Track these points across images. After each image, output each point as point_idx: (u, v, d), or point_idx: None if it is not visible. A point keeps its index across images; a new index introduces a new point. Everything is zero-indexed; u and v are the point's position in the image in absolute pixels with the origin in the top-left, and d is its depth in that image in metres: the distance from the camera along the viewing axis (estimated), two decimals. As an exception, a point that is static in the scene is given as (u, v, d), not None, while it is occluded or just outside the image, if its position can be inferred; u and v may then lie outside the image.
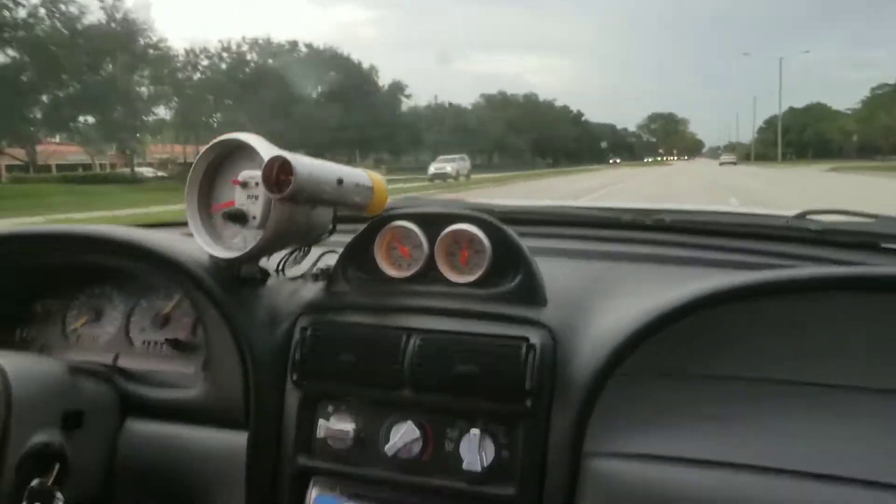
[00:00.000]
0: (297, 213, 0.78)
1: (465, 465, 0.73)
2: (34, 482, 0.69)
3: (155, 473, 0.83)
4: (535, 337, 0.74)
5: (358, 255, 0.87)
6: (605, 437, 0.70)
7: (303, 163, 0.72)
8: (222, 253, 0.81)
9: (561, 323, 0.77)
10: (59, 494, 0.70)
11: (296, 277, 0.89)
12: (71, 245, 0.89)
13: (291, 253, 0.88)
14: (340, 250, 0.90)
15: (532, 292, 0.79)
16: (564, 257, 0.99)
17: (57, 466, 0.72)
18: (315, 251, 0.91)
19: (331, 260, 0.91)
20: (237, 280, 0.84)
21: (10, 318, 1.02)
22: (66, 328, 1.03)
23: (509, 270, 0.81)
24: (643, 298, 0.75)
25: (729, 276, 0.78)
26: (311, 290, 0.87)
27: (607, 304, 0.80)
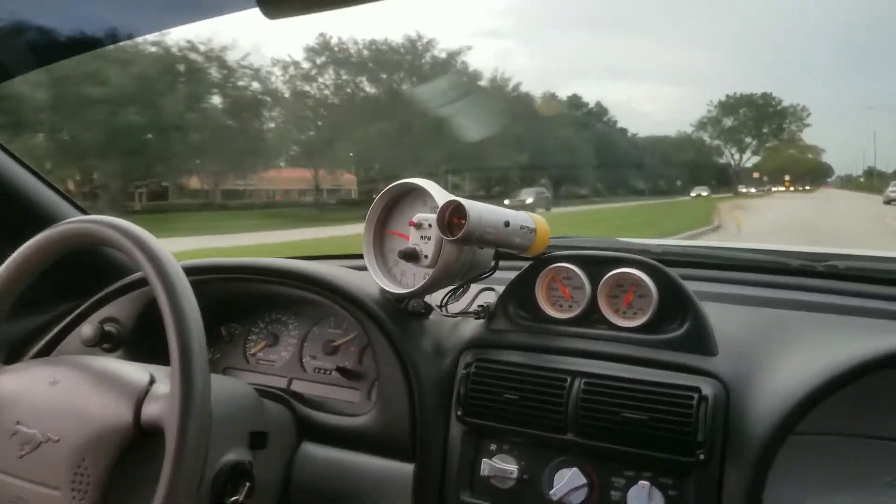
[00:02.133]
0: (464, 252, 0.84)
1: None
2: (229, 501, 0.75)
3: (327, 496, 0.89)
4: (708, 388, 0.73)
5: (519, 294, 0.90)
6: (782, 497, 0.68)
7: (474, 207, 0.78)
8: (394, 288, 0.88)
9: (733, 374, 0.75)
10: None
11: (457, 314, 0.94)
12: (261, 277, 1.01)
13: (454, 290, 0.94)
14: (498, 288, 0.95)
15: (702, 340, 0.78)
16: (729, 302, 0.96)
17: (247, 485, 0.77)
18: (474, 288, 0.97)
19: (489, 297, 0.95)
20: (405, 313, 0.91)
21: None
22: (247, 352, 1.17)
23: (676, 316, 0.81)
24: (821, 351, 0.72)
25: None
26: (473, 327, 0.92)
27: (781, 355, 0.77)
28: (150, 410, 0.61)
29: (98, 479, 0.61)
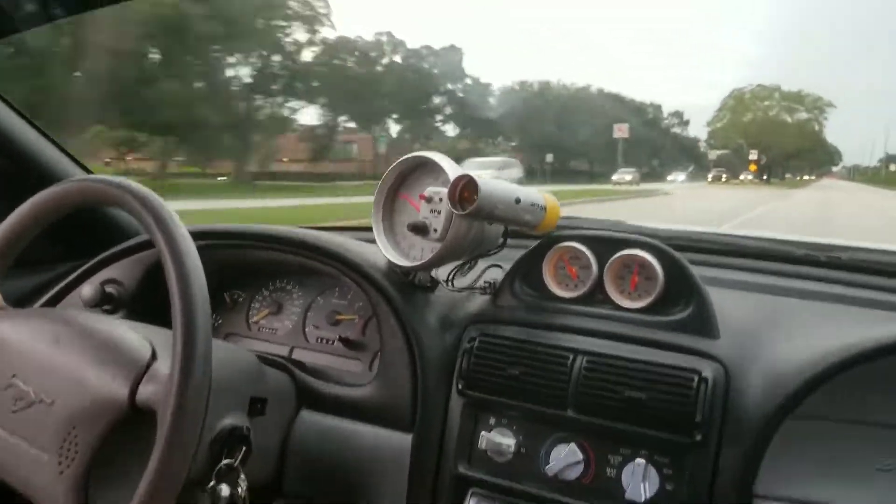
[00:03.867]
0: (474, 227, 0.86)
1: (627, 495, 0.76)
2: (223, 462, 0.76)
3: (323, 463, 0.92)
4: (708, 370, 0.76)
5: (526, 272, 0.93)
6: (777, 481, 0.71)
7: (485, 182, 0.80)
8: (402, 261, 0.90)
9: (734, 357, 0.78)
10: (242, 476, 0.78)
11: (463, 288, 0.97)
12: (269, 244, 1.03)
13: (461, 265, 0.97)
14: (505, 265, 0.97)
15: (705, 323, 0.81)
16: (734, 288, 0.99)
17: (243, 449, 0.79)
18: (481, 264, 0.99)
19: (496, 274, 0.98)
20: (411, 286, 0.93)
21: None
22: (249, 319, 1.19)
23: (681, 299, 0.84)
24: (821, 339, 0.74)
25: None
26: (479, 302, 0.95)
27: (782, 341, 0.80)
28: (146, 392, 0.60)
29: (86, 450, 0.60)
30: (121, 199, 0.67)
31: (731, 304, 0.87)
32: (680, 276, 0.83)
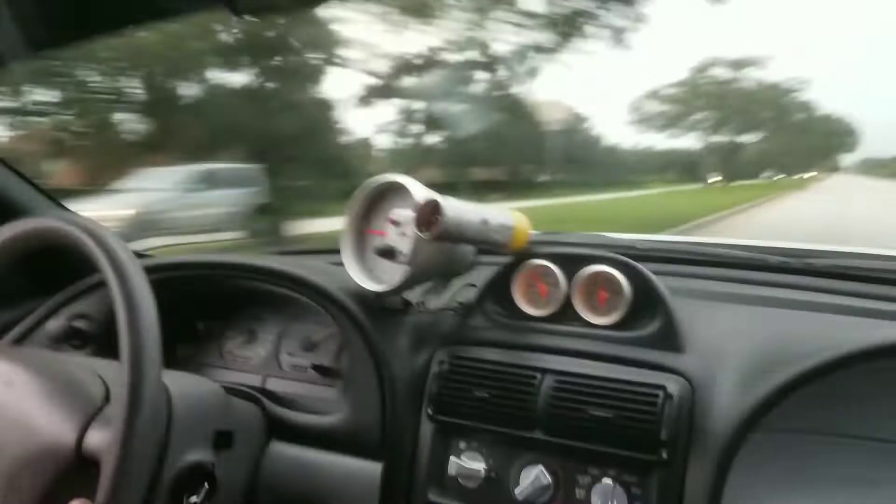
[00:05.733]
0: (443, 249, 0.88)
1: None
2: (186, 502, 0.75)
3: (294, 496, 0.92)
4: (673, 385, 0.77)
5: (496, 291, 0.94)
6: (743, 494, 0.71)
7: (451, 205, 0.82)
8: (371, 285, 0.92)
9: (700, 371, 0.79)
10: None
11: (436, 310, 0.98)
12: (235, 273, 1.05)
13: (434, 286, 0.98)
14: (479, 283, 0.99)
15: (670, 338, 0.82)
16: (706, 299, 1.01)
17: (206, 487, 0.78)
18: (455, 283, 1.00)
19: (469, 293, 0.99)
20: (382, 310, 0.95)
21: (173, 336, 1.20)
22: (223, 349, 1.20)
23: (648, 314, 0.85)
24: (793, 347, 0.75)
25: (890, 328, 0.76)
26: (450, 323, 0.96)
27: (752, 351, 0.81)
28: (94, 439, 0.59)
29: (30, 499, 0.60)
30: (72, 237, 0.67)
31: (701, 315, 0.88)
32: (646, 291, 0.85)
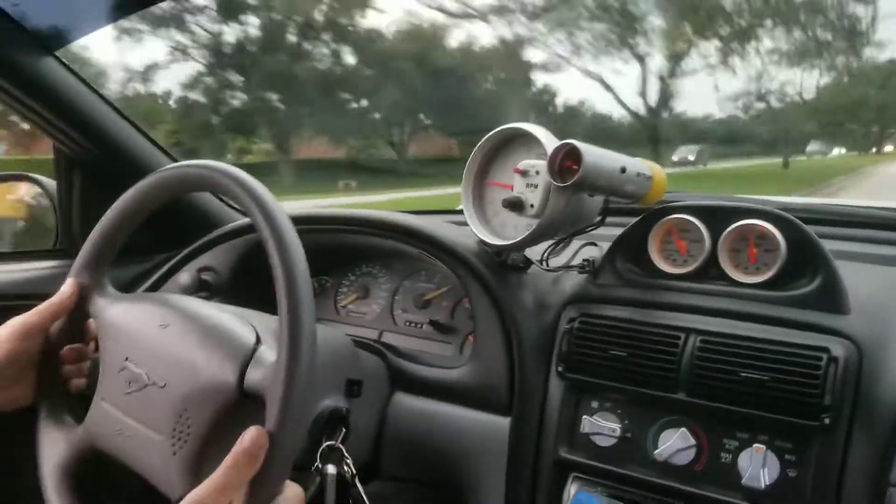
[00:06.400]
0: (573, 201, 0.84)
1: (744, 481, 0.73)
2: (325, 444, 0.79)
3: (419, 446, 0.94)
4: (838, 348, 0.72)
5: (628, 248, 0.90)
6: None
7: (589, 150, 0.78)
8: (494, 240, 0.90)
9: (868, 335, 0.73)
10: (347, 456, 0.80)
11: (559, 268, 0.95)
12: (359, 228, 1.05)
13: (555, 244, 0.95)
14: (602, 243, 0.95)
15: (834, 298, 0.76)
16: (861, 261, 0.94)
17: (343, 430, 0.82)
18: (575, 243, 0.97)
19: (592, 252, 0.96)
20: (504, 266, 0.93)
21: None
22: (338, 304, 1.22)
23: (806, 272, 0.79)
24: None
25: None
26: (577, 281, 0.93)
27: None
28: (254, 377, 0.62)
29: (199, 432, 0.62)
30: (222, 184, 0.69)
31: (862, 278, 0.82)
32: (805, 247, 0.79)
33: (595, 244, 0.96)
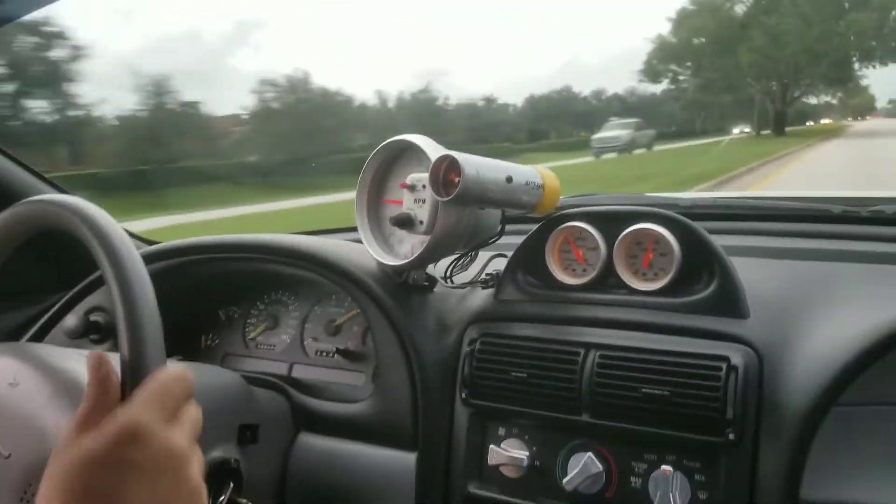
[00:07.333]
0: (465, 215, 0.80)
1: None
2: (221, 500, 0.74)
3: (326, 490, 0.88)
4: (737, 356, 0.69)
5: (528, 260, 0.87)
6: (826, 482, 0.63)
7: (470, 162, 0.74)
8: (391, 260, 0.85)
9: (767, 338, 0.70)
10: None
11: (464, 284, 0.91)
12: (247, 254, 0.99)
13: (459, 258, 0.91)
14: (510, 253, 0.91)
15: (731, 301, 0.73)
16: (765, 257, 0.91)
17: (231, 485, 0.76)
18: (483, 255, 0.93)
19: (500, 264, 0.92)
20: (405, 287, 0.88)
21: (196, 326, 1.17)
22: (246, 336, 1.16)
23: (702, 276, 0.76)
24: (870, 307, 0.67)
25: None
26: (480, 298, 0.89)
27: (822, 313, 0.73)
28: None
29: None
30: (65, 221, 0.62)
31: (762, 275, 0.80)
32: (699, 249, 0.76)
33: (504, 256, 0.92)
